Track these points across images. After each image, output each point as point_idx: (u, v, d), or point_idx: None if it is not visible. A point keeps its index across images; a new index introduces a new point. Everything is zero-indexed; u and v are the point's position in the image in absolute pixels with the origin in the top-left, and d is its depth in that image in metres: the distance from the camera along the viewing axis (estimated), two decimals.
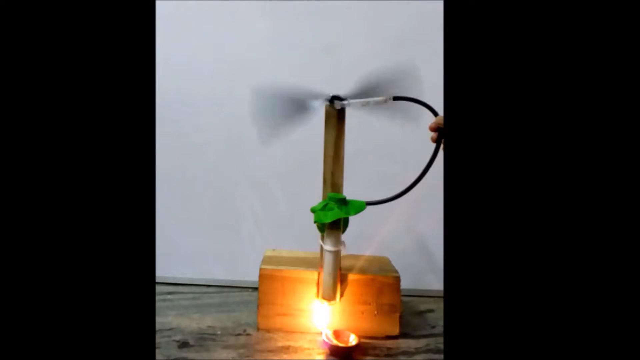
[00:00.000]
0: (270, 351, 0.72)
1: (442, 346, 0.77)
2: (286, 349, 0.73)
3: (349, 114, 0.73)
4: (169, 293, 0.97)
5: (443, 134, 0.64)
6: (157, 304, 0.89)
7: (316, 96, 0.72)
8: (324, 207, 0.71)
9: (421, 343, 0.78)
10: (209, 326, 0.80)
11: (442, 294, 1.02)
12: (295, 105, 0.72)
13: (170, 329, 0.78)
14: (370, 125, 0.98)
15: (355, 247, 0.78)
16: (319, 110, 0.74)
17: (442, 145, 0.64)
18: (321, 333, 0.75)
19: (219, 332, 0.78)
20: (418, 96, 0.66)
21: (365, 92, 0.69)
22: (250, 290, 1.00)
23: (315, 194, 0.77)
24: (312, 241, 0.79)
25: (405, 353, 0.75)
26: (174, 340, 0.74)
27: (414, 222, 1.02)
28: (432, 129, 0.64)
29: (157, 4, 0.87)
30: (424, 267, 1.03)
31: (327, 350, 0.74)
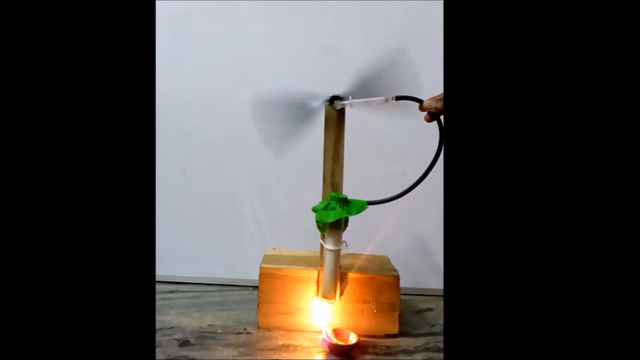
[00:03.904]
0: (270, 349, 0.73)
1: (441, 345, 0.78)
2: (286, 347, 0.74)
3: (349, 113, 0.73)
4: (170, 292, 0.97)
5: (441, 125, 0.64)
6: (158, 303, 0.90)
7: (316, 97, 0.72)
8: (325, 207, 0.71)
9: (420, 342, 0.79)
10: (210, 325, 0.81)
11: (441, 293, 1.03)
12: (297, 110, 0.72)
13: (171, 328, 0.79)
14: (370, 125, 0.99)
15: (355, 246, 0.78)
16: (321, 111, 0.74)
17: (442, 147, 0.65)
18: (321, 331, 0.76)
19: (219, 331, 0.79)
20: (418, 95, 0.66)
21: (363, 89, 0.69)
22: (250, 289, 1.00)
23: (315, 194, 0.77)
24: (312, 240, 0.79)
25: (404, 352, 0.75)
26: (174, 339, 0.75)
27: (413, 221, 1.02)
28: (426, 109, 0.64)
29: (157, 4, 0.87)
30: (423, 266, 1.03)
31: (327, 349, 0.74)
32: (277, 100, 0.72)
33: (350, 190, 0.74)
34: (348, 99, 0.70)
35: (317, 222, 0.73)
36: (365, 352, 0.74)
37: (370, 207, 0.71)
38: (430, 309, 0.95)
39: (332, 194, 0.72)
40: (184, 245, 1.03)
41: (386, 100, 0.66)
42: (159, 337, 0.75)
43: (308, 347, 0.74)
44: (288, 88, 0.71)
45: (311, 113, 0.73)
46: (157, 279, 1.02)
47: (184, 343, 0.73)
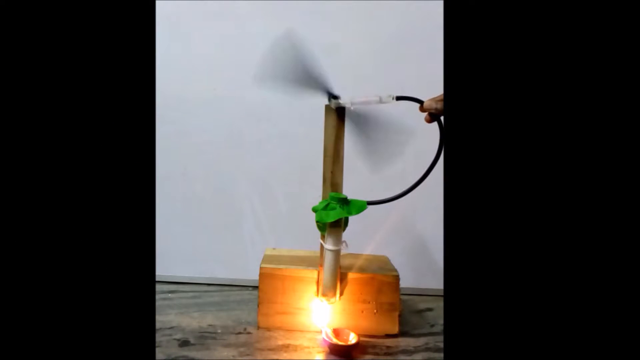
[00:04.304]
0: (270, 349, 0.73)
1: (441, 345, 0.78)
2: (286, 347, 0.74)
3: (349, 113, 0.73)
4: (170, 292, 0.97)
5: (441, 125, 0.64)
6: (158, 303, 0.90)
7: (325, 90, 0.71)
8: (325, 207, 0.71)
9: (420, 342, 0.79)
10: (210, 325, 0.81)
11: (441, 293, 1.03)
12: (308, 79, 0.69)
13: (171, 328, 0.79)
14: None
15: (355, 246, 0.78)
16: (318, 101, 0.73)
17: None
18: (321, 331, 0.76)
19: (219, 331, 0.79)
20: (418, 95, 0.66)
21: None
22: (250, 288, 1.00)
23: (315, 194, 0.77)
24: (312, 240, 0.79)
25: (404, 352, 0.75)
26: (174, 339, 0.75)
27: (413, 221, 1.02)
28: (426, 110, 0.64)
29: (157, 4, 0.88)
30: (423, 266, 1.03)
31: (327, 349, 0.74)
32: (300, 68, 0.68)
33: (350, 190, 0.74)
34: (347, 101, 0.70)
35: (317, 222, 0.73)
36: (365, 352, 0.74)
37: (370, 207, 0.71)
38: (430, 309, 0.95)
39: (332, 194, 0.72)
40: (184, 245, 1.03)
41: (386, 101, 0.66)
42: (159, 337, 0.75)
43: (308, 347, 0.74)
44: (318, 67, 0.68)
45: (310, 91, 0.70)
46: (157, 279, 1.02)
47: (184, 343, 0.73)
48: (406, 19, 0.96)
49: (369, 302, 0.79)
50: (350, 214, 0.70)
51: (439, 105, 0.63)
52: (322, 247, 0.76)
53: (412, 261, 1.02)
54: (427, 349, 0.76)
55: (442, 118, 0.66)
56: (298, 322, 0.80)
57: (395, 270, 0.82)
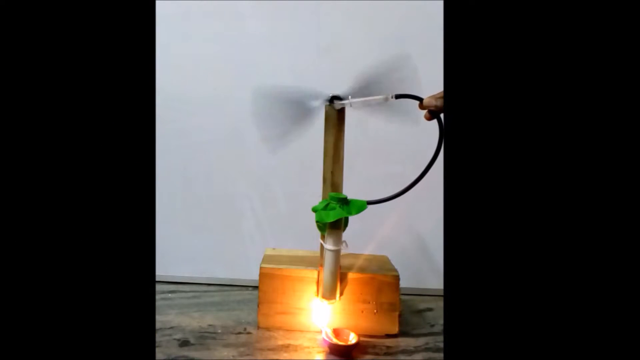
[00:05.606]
0: (270, 349, 0.73)
1: (441, 345, 0.78)
2: (286, 347, 0.74)
3: (349, 113, 0.73)
4: (170, 292, 0.97)
5: (441, 123, 0.64)
6: (158, 303, 0.90)
7: (316, 96, 0.72)
8: (325, 207, 0.71)
9: (420, 342, 0.79)
10: (210, 325, 0.81)
11: (441, 293, 1.03)
12: (296, 108, 0.72)
13: (171, 328, 0.79)
14: (370, 125, 0.99)
15: (355, 246, 0.78)
16: (320, 111, 0.74)
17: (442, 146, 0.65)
18: (321, 331, 0.76)
19: (219, 331, 0.79)
20: (419, 93, 0.66)
21: (364, 89, 0.69)
22: (250, 288, 1.00)
23: (315, 194, 0.77)
24: (312, 240, 0.79)
25: (404, 352, 0.75)
26: (174, 339, 0.75)
27: (413, 221, 1.02)
28: (426, 107, 0.64)
29: (157, 4, 0.87)
30: (423, 266, 1.03)
31: (327, 349, 0.74)
32: (278, 96, 0.72)
33: (350, 190, 0.74)
34: (347, 99, 0.70)
35: (317, 222, 0.73)
36: (365, 352, 0.74)
37: (370, 207, 0.71)
38: (430, 309, 0.95)
39: (332, 194, 0.72)
40: (184, 245, 1.03)
41: (386, 99, 0.66)
42: (159, 337, 0.75)
43: (308, 347, 0.74)
44: (289, 85, 0.71)
45: (310, 112, 0.73)
46: (157, 279, 1.02)
47: (184, 343, 0.73)
48: (406, 19, 0.96)
49: (369, 302, 0.79)
50: (350, 214, 0.70)
51: (439, 103, 0.63)
52: (322, 247, 0.76)
53: (412, 261, 1.02)
54: (427, 349, 0.76)
55: (441, 115, 0.66)
56: (298, 322, 0.80)
57: (395, 270, 0.82)
